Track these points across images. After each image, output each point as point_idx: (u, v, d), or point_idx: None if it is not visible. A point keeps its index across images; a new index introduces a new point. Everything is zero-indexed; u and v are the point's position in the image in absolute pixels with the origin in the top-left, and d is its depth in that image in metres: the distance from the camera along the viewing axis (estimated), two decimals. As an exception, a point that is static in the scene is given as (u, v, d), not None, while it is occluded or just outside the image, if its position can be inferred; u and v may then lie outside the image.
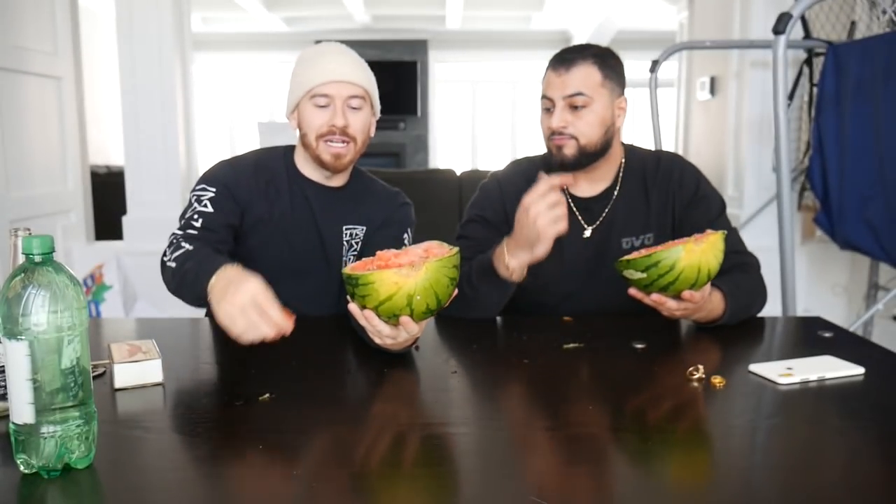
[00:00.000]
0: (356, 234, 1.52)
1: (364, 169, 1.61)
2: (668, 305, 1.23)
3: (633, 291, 1.26)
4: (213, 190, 1.42)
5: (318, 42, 1.53)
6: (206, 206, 1.39)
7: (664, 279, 1.19)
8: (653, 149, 1.68)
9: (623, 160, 1.52)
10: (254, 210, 1.46)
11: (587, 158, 1.44)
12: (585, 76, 1.39)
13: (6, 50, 2.91)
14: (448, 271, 1.07)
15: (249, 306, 1.03)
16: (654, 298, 1.24)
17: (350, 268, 1.09)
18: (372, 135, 1.50)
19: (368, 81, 1.45)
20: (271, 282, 1.36)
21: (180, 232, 1.35)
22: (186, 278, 1.22)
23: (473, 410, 1.04)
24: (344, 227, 1.51)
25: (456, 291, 1.10)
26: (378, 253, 1.12)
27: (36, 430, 0.77)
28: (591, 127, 1.41)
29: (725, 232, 1.24)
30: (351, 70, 1.42)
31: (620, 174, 1.52)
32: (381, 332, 1.09)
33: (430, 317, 1.10)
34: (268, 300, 1.05)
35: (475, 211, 1.55)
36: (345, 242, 1.51)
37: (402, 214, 1.55)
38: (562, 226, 1.24)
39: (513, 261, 1.32)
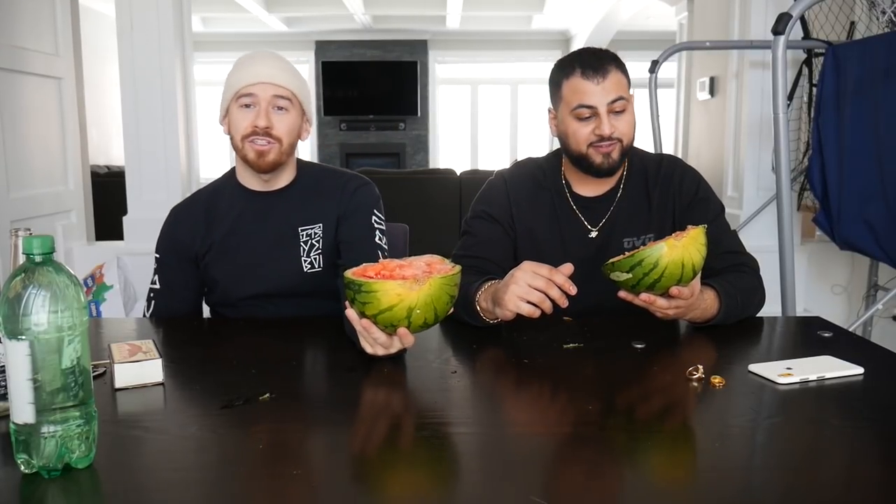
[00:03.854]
0: (315, 234, 1.51)
1: (312, 162, 1.62)
2: (659, 304, 1.23)
3: (622, 294, 1.25)
4: (158, 257, 1.56)
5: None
6: (155, 282, 1.56)
7: (649, 277, 1.19)
8: (654, 152, 1.69)
9: (626, 162, 1.53)
10: (203, 244, 1.52)
11: (624, 159, 1.48)
12: (619, 81, 1.42)
13: (6, 50, 2.91)
14: (450, 289, 1.08)
15: None
16: (644, 298, 1.23)
17: (352, 272, 1.10)
18: (303, 139, 1.52)
19: (296, 84, 1.47)
20: (244, 297, 1.50)
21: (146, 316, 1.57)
22: None
23: (473, 410, 1.04)
24: (300, 229, 1.51)
25: (452, 309, 1.12)
26: (382, 262, 1.13)
27: (36, 430, 0.77)
28: (631, 128, 1.45)
29: (706, 225, 1.24)
30: (277, 72, 1.44)
31: (624, 175, 1.53)
32: (377, 341, 1.11)
33: (424, 330, 1.11)
34: None
35: (481, 207, 1.55)
36: (302, 244, 1.51)
37: (360, 199, 1.53)
38: (526, 310, 1.21)
39: (483, 303, 1.32)
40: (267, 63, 1.44)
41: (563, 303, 1.20)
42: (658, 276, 1.19)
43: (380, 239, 1.51)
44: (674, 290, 1.20)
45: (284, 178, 1.53)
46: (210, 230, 1.52)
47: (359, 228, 1.50)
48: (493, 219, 1.52)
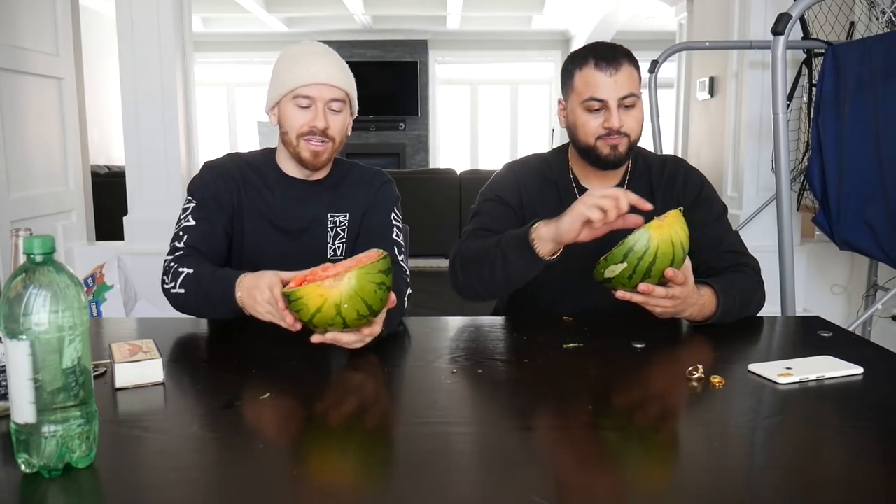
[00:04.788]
0: (340, 222, 1.55)
1: (342, 158, 1.64)
2: (657, 292, 1.23)
3: (620, 294, 1.25)
4: (194, 200, 1.50)
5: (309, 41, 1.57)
6: (188, 220, 1.48)
7: (644, 262, 1.19)
8: (657, 152, 1.69)
9: (630, 160, 1.54)
10: (244, 199, 1.53)
11: (630, 154, 1.48)
12: (631, 76, 1.43)
13: (6, 50, 2.91)
14: (373, 277, 1.11)
15: (268, 304, 1.22)
16: (642, 289, 1.22)
17: (288, 286, 1.14)
18: (349, 134, 1.54)
19: (349, 84, 1.50)
20: (267, 267, 1.42)
21: (170, 257, 1.43)
22: (211, 301, 1.33)
23: (473, 410, 1.04)
24: (329, 215, 1.55)
25: (393, 296, 1.17)
26: (314, 268, 1.17)
27: (37, 430, 0.77)
28: (639, 124, 1.46)
29: (682, 208, 1.25)
30: (333, 73, 1.46)
31: (628, 173, 1.54)
32: (347, 342, 1.16)
33: (367, 320, 1.14)
34: (277, 298, 1.19)
35: (492, 192, 1.56)
36: (329, 230, 1.54)
37: (384, 196, 1.59)
38: (594, 215, 1.21)
39: (542, 229, 1.30)
40: (323, 62, 1.46)
41: (646, 206, 1.21)
42: (653, 259, 1.19)
43: (397, 235, 1.56)
44: (668, 272, 1.21)
45: (323, 171, 1.56)
46: (242, 197, 1.54)
47: (378, 224, 1.55)
48: (503, 201, 1.53)
